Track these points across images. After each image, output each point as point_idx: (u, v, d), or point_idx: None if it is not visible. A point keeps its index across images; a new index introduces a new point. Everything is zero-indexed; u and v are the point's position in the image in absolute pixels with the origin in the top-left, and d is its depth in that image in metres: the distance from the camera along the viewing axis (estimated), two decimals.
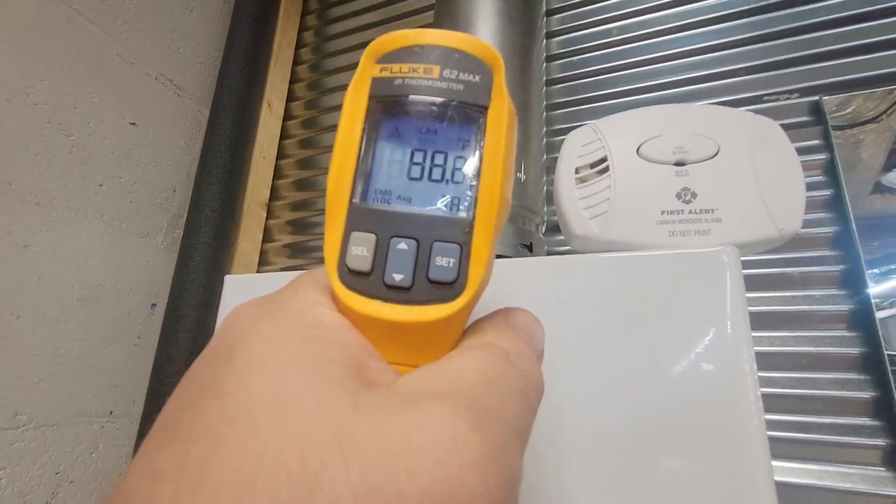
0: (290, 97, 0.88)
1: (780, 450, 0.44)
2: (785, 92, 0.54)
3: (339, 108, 0.79)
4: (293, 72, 0.89)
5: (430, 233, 0.15)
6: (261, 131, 0.81)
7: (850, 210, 0.47)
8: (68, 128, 0.60)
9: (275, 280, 0.43)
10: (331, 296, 0.15)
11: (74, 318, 0.59)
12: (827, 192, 0.50)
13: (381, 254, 0.15)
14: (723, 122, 0.31)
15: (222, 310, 0.44)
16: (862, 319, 0.45)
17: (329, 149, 0.81)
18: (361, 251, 0.15)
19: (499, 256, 0.42)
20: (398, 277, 0.15)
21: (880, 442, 0.43)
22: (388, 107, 0.16)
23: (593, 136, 0.33)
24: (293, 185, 0.82)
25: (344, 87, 0.84)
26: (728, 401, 0.27)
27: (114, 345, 0.64)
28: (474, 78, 0.15)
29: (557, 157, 0.34)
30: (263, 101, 0.83)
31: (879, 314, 0.44)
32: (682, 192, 0.30)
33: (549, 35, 0.69)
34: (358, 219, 0.15)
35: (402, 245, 0.15)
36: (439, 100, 0.16)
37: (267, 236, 0.81)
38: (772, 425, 0.45)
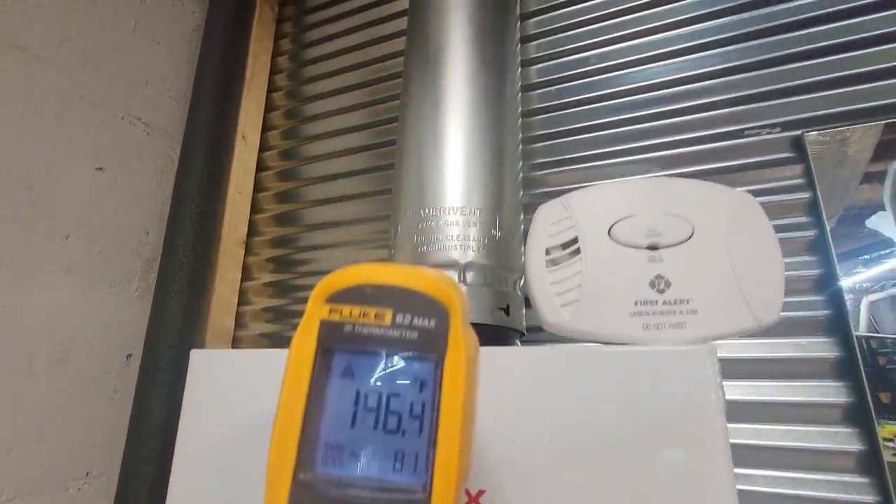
0: (266, 126, 0.86)
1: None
2: (766, 126, 0.53)
3: (318, 137, 0.77)
4: (268, 99, 0.87)
5: None
6: (236, 166, 0.79)
7: (837, 267, 0.46)
8: (29, 180, 0.58)
9: (242, 359, 0.41)
10: None
11: (44, 379, 0.57)
12: (811, 233, 0.49)
13: None
14: (697, 199, 0.30)
15: (189, 385, 0.42)
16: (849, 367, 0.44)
17: (309, 181, 0.79)
18: None
19: (475, 325, 0.41)
20: None
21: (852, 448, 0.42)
22: (337, 356, 0.15)
23: (563, 213, 0.32)
24: (272, 220, 0.80)
25: (323, 115, 0.82)
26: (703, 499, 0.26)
27: (88, 402, 0.62)
28: (429, 323, 0.14)
29: (528, 232, 0.33)
30: (237, 133, 0.80)
31: (871, 297, 0.45)
32: (656, 280, 0.29)
33: (527, 63, 0.67)
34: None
35: None
36: (392, 350, 0.14)
37: (246, 274, 0.79)
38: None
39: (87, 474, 0.60)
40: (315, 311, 0.15)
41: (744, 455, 0.45)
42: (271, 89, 0.88)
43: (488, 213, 0.43)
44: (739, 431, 0.46)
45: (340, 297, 0.15)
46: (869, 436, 0.43)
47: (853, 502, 0.42)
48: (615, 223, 0.30)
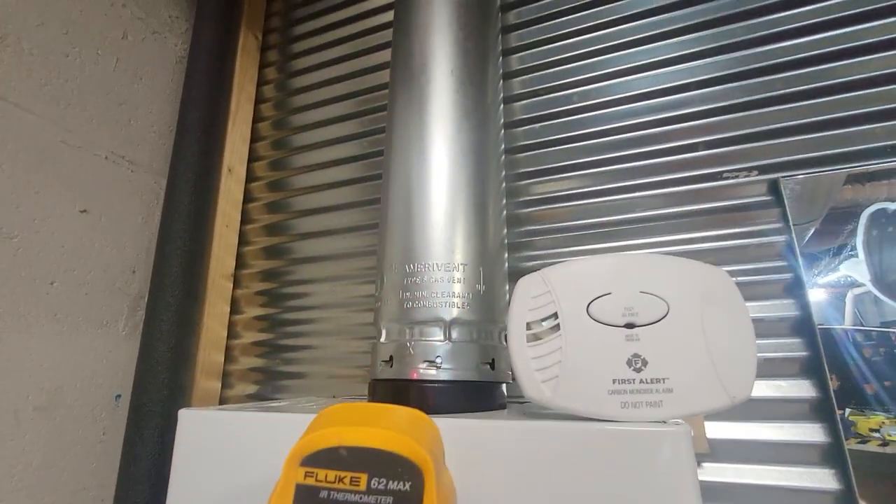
0: (252, 157, 0.86)
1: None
2: (744, 169, 0.54)
3: (306, 168, 0.77)
4: (254, 129, 0.87)
5: None
6: (222, 199, 0.79)
7: (813, 314, 0.48)
8: (10, 230, 0.57)
9: (238, 422, 0.42)
10: None
11: (32, 429, 0.57)
12: (788, 276, 0.50)
13: None
14: (671, 276, 0.31)
15: (178, 446, 0.42)
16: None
17: (297, 213, 0.79)
18: None
19: (461, 382, 0.41)
20: None
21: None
22: None
23: (543, 287, 0.33)
24: (261, 252, 0.80)
25: (310, 146, 0.82)
26: None
27: (77, 445, 0.61)
28: (404, 486, 0.15)
29: (510, 305, 0.33)
30: (223, 166, 0.80)
31: (855, 290, 0.47)
32: (633, 360, 0.29)
33: (511, 100, 0.67)
34: None
35: None
36: None
37: (235, 308, 0.78)
38: None
39: None
40: (291, 475, 0.15)
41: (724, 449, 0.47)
42: (257, 119, 0.87)
43: (472, 267, 0.44)
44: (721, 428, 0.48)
45: (315, 460, 0.15)
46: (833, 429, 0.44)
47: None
48: (593, 300, 0.31)
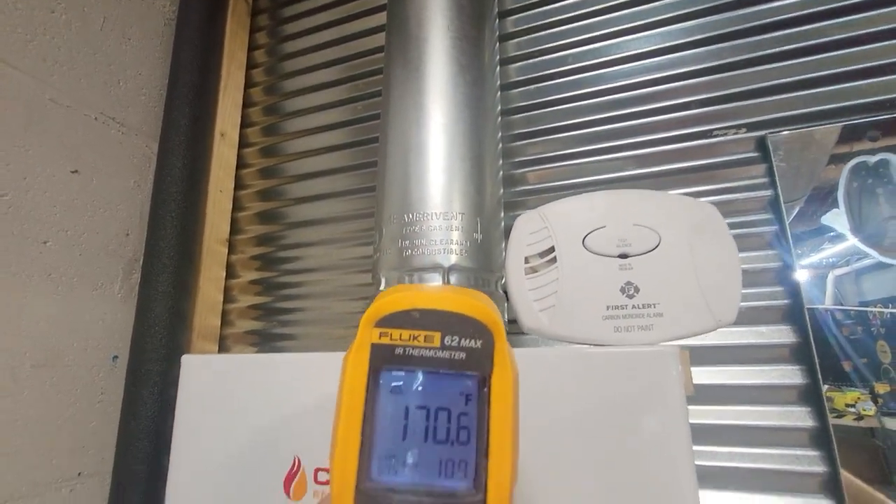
0: (245, 123, 0.85)
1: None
2: (733, 127, 0.55)
3: (299, 133, 0.77)
4: (246, 95, 0.86)
5: None
6: (215, 164, 0.78)
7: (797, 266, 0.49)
8: (2, 188, 0.57)
9: (237, 365, 0.42)
10: None
11: (29, 386, 0.57)
12: (772, 228, 0.52)
13: None
14: (664, 210, 0.32)
15: (181, 391, 0.43)
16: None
17: (291, 178, 0.79)
18: None
19: None
20: None
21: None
22: (389, 376, 0.16)
23: (541, 223, 0.34)
24: (256, 218, 0.80)
25: (303, 111, 0.81)
26: (667, 485, 0.29)
27: (76, 405, 0.62)
28: (476, 344, 0.15)
29: (508, 240, 0.34)
30: (215, 130, 0.79)
31: (836, 271, 0.49)
32: (626, 287, 0.31)
33: (506, 62, 0.68)
34: None
35: None
36: (442, 369, 0.15)
37: (231, 272, 0.79)
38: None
39: (80, 475, 0.61)
40: (366, 335, 0.16)
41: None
42: (249, 85, 0.86)
43: (469, 216, 0.45)
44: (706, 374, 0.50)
45: (390, 321, 0.16)
46: (820, 413, 0.47)
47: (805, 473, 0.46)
48: (588, 233, 0.32)
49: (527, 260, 0.33)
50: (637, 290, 0.30)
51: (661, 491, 0.29)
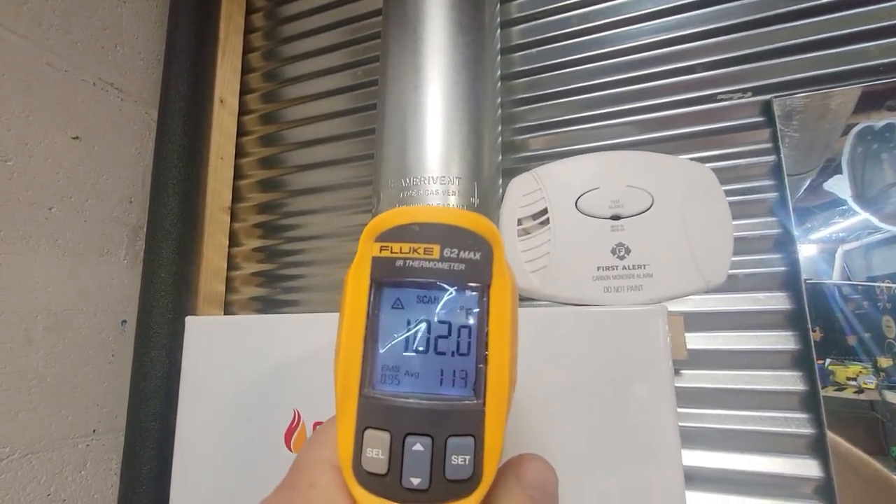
0: (244, 89, 0.84)
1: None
2: (738, 91, 0.54)
3: (299, 100, 0.76)
4: (245, 60, 0.85)
5: (444, 427, 0.15)
6: (215, 131, 0.78)
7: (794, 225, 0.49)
8: (4, 153, 0.57)
9: (239, 326, 0.44)
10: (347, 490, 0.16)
11: (43, 347, 0.59)
12: (774, 195, 0.51)
13: (396, 455, 0.15)
14: (657, 171, 0.32)
15: (186, 351, 0.45)
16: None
17: (292, 146, 0.79)
18: (377, 453, 0.15)
19: None
20: (416, 481, 0.15)
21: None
22: (390, 288, 0.16)
23: (535, 185, 0.34)
24: (257, 186, 0.81)
25: (303, 77, 0.80)
26: (651, 439, 0.30)
27: (88, 366, 0.64)
28: (475, 255, 0.16)
29: (501, 203, 0.35)
30: (215, 97, 0.79)
31: (845, 246, 0.48)
32: (617, 248, 0.31)
33: (508, 24, 0.66)
34: (370, 413, 0.15)
35: (418, 446, 0.15)
36: (442, 280, 0.16)
37: (234, 240, 0.80)
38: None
39: (94, 431, 0.64)
40: (366, 250, 0.16)
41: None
42: (247, 50, 0.85)
43: (467, 181, 0.45)
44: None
45: (390, 235, 0.16)
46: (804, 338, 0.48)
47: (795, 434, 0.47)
48: (582, 195, 0.32)
49: (520, 222, 0.33)
50: (628, 251, 0.31)
51: (645, 446, 0.30)
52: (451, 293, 0.16)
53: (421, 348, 0.16)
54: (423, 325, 0.16)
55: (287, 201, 0.78)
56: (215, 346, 0.44)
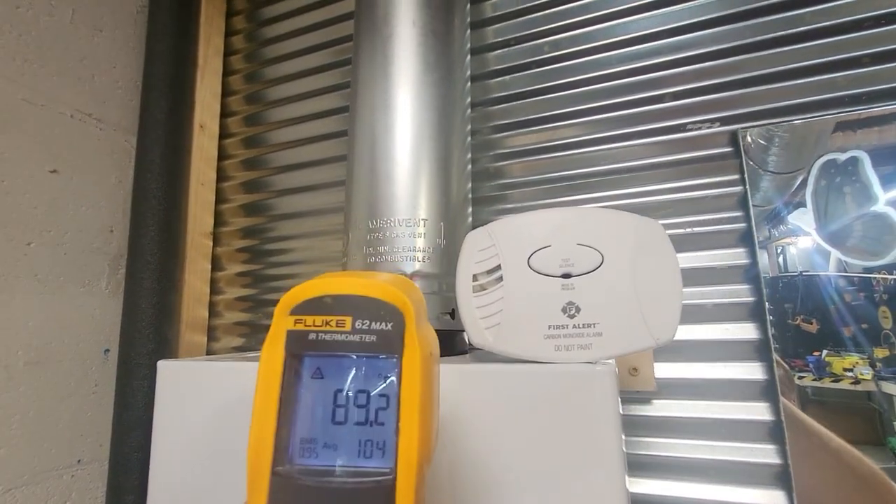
0: (225, 112, 0.84)
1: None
2: (707, 121, 0.54)
3: (282, 123, 0.77)
4: (225, 84, 0.85)
5: None
6: (195, 156, 0.78)
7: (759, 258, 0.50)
8: None
9: (207, 370, 0.44)
10: None
11: (24, 382, 0.60)
12: (741, 226, 0.52)
13: None
14: (608, 229, 0.33)
15: (159, 394, 0.45)
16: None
17: (274, 170, 0.79)
18: None
19: None
20: None
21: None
22: (304, 361, 0.16)
23: (489, 241, 0.34)
24: (240, 210, 0.81)
25: (284, 100, 0.80)
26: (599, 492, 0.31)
27: (71, 398, 0.65)
28: (386, 326, 0.16)
29: (458, 258, 0.35)
30: (195, 122, 0.79)
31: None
32: (567, 307, 0.32)
33: (482, 50, 0.66)
34: (281, 495, 0.15)
35: None
36: (355, 352, 0.16)
37: (217, 265, 0.80)
38: None
39: (79, 461, 0.65)
40: (282, 324, 0.17)
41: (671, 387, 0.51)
42: (228, 72, 0.85)
43: (433, 222, 0.46)
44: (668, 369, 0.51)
45: (303, 308, 0.16)
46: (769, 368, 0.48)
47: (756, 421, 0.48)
48: (534, 252, 0.33)
49: (475, 277, 0.34)
50: (578, 309, 0.31)
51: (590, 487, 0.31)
52: (364, 364, 0.16)
53: (337, 420, 0.16)
54: (339, 398, 0.17)
55: (270, 226, 0.78)
56: (188, 391, 0.45)
